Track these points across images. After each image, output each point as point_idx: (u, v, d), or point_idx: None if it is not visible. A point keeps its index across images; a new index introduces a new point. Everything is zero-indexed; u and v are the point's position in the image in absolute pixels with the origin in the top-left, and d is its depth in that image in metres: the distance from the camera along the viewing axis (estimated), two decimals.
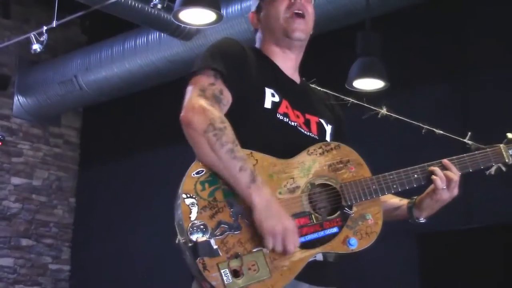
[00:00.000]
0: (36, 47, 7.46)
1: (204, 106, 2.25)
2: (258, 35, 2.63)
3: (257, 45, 2.63)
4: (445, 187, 2.46)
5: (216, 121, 2.22)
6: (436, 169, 2.46)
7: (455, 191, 2.49)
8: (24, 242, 9.45)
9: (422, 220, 2.56)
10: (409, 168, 2.46)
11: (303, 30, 2.54)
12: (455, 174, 2.47)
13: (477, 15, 6.74)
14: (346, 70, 5.84)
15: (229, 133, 2.23)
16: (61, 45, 9.74)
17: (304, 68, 2.72)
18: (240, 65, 2.41)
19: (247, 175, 2.20)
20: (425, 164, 2.49)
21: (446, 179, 2.46)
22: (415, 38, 7.03)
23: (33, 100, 9.36)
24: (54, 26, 7.37)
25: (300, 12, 2.53)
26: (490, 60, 6.61)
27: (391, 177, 2.42)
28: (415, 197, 2.57)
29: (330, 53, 7.11)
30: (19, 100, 9.47)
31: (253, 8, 2.64)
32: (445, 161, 2.50)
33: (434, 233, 6.12)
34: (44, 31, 7.40)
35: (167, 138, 6.25)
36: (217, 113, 2.25)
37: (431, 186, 2.49)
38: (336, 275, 2.43)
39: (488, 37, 6.62)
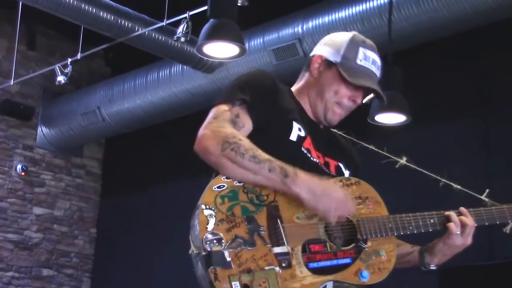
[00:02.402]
0: (60, 78, 7.55)
1: (213, 129, 2.28)
2: (306, 79, 2.61)
3: (295, 86, 2.62)
4: (459, 232, 2.47)
5: (229, 137, 2.24)
6: (452, 214, 2.48)
7: (469, 240, 2.51)
8: (45, 272, 9.47)
9: (433, 266, 2.56)
10: (426, 212, 2.48)
11: (338, 120, 2.58)
12: (470, 221, 2.49)
13: (499, 49, 6.73)
14: (368, 104, 5.83)
15: (245, 142, 2.25)
16: (85, 77, 9.85)
17: None
18: (268, 95, 2.43)
19: (278, 172, 2.22)
20: (442, 211, 2.50)
21: (461, 224, 2.48)
22: (437, 73, 7.03)
23: (56, 131, 9.46)
24: (79, 58, 7.46)
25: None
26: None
27: (408, 218, 2.44)
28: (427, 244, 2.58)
29: None
30: (42, 130, 9.57)
31: (326, 55, 2.56)
32: (463, 209, 2.52)
33: (456, 269, 6.05)
34: (68, 63, 7.50)
35: (188, 170, 6.26)
36: (228, 130, 2.27)
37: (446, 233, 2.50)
38: None
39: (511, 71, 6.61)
